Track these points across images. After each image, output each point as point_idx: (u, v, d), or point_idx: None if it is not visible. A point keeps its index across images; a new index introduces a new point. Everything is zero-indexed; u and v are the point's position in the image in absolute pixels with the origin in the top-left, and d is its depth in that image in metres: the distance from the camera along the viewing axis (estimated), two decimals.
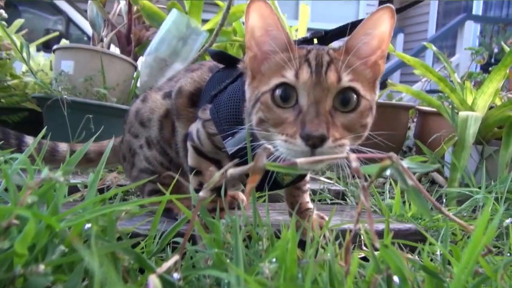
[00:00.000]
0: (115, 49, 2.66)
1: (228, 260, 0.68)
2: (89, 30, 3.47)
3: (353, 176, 2.23)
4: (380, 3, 7.03)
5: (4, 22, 2.17)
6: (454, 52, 6.11)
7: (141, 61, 2.41)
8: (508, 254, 0.94)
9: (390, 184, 1.73)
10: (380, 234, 1.09)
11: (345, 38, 0.83)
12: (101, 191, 0.84)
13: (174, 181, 0.84)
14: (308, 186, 1.20)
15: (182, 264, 0.73)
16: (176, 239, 0.82)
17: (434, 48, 2.37)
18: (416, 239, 1.07)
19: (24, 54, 2.12)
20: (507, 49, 2.28)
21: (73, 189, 1.12)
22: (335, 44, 0.97)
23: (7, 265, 0.52)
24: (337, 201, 1.66)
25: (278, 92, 0.77)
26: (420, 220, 1.28)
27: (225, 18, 2.18)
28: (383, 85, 2.91)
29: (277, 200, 1.48)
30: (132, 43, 2.58)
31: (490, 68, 2.17)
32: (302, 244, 0.82)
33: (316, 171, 2.10)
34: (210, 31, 2.36)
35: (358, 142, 0.80)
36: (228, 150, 0.96)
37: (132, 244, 0.70)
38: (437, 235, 1.17)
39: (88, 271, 0.59)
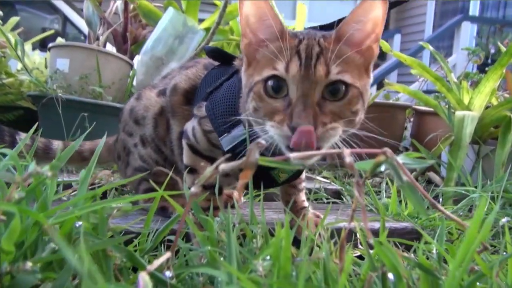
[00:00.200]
0: (111, 48, 2.64)
1: (221, 258, 0.67)
2: (85, 29, 3.45)
3: (350, 176, 2.23)
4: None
5: None
6: (451, 52, 6.12)
7: (137, 59, 2.40)
8: (504, 253, 0.93)
9: (387, 184, 1.72)
10: (376, 233, 1.09)
11: None
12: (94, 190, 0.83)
13: (168, 178, 0.83)
14: (303, 184, 1.19)
15: (176, 262, 0.72)
16: (170, 237, 0.81)
17: (431, 48, 2.37)
18: (412, 238, 1.07)
19: (19, 52, 2.10)
20: (503, 49, 2.28)
21: (68, 188, 1.12)
22: None
23: None
24: (333, 200, 1.65)
25: (270, 83, 0.79)
26: (416, 219, 1.28)
27: (221, 16, 2.18)
28: (380, 85, 2.91)
29: (273, 199, 1.47)
30: (128, 42, 2.57)
31: (486, 68, 2.17)
32: (297, 243, 0.81)
33: (313, 170, 2.09)
34: (207, 29, 2.36)
35: (352, 127, 0.82)
36: (224, 147, 0.95)
37: (125, 242, 0.69)
38: (433, 234, 1.16)
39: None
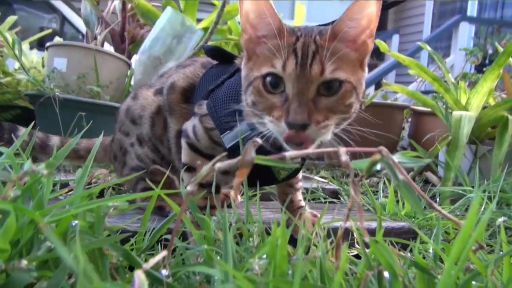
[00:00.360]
0: (109, 47, 2.64)
1: (218, 257, 0.67)
2: (83, 28, 3.44)
3: (348, 175, 2.23)
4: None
5: None
6: (448, 53, 6.13)
7: (135, 59, 2.40)
8: (500, 252, 0.94)
9: (384, 183, 1.73)
10: (373, 232, 1.09)
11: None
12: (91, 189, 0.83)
13: (165, 177, 0.83)
14: (301, 184, 1.20)
15: (172, 261, 0.72)
16: (167, 236, 0.81)
17: (429, 48, 2.37)
18: (409, 237, 1.07)
19: (16, 51, 2.10)
20: (501, 49, 2.28)
21: (65, 187, 1.11)
22: None
23: None
24: (331, 199, 1.66)
25: (268, 79, 0.83)
26: (413, 219, 1.28)
27: (220, 16, 2.18)
28: (378, 85, 2.92)
29: (269, 198, 1.47)
30: (126, 41, 2.56)
31: (484, 69, 2.17)
32: (294, 242, 0.81)
33: (311, 170, 2.09)
34: (205, 29, 2.35)
35: (347, 118, 0.86)
36: (226, 144, 0.96)
37: (122, 241, 0.69)
38: (430, 234, 1.17)
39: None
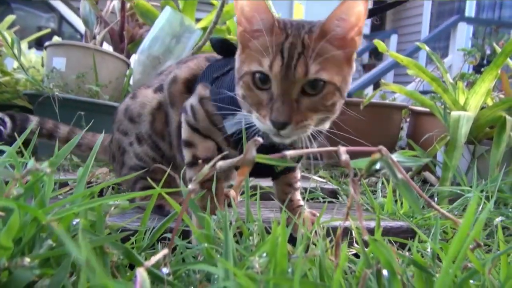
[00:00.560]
0: (108, 47, 2.64)
1: (218, 255, 0.67)
2: (82, 28, 3.44)
3: (347, 175, 2.24)
4: (374, 3, 7.06)
5: None
6: (447, 53, 6.14)
7: (134, 58, 2.40)
8: (497, 251, 0.94)
9: (383, 183, 1.73)
10: (371, 232, 1.10)
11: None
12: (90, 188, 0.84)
13: (166, 175, 0.83)
14: (299, 183, 1.20)
15: (172, 259, 0.73)
16: (167, 235, 0.81)
17: (427, 48, 2.38)
18: (407, 237, 1.08)
19: (15, 50, 2.10)
20: (499, 50, 2.29)
21: (64, 186, 1.11)
22: None
23: None
24: (329, 199, 1.66)
25: (257, 75, 0.87)
26: (411, 218, 1.29)
27: (219, 16, 2.18)
28: (377, 85, 2.93)
29: (268, 198, 1.47)
30: (125, 41, 2.56)
31: (482, 69, 2.18)
32: (293, 241, 0.82)
33: (309, 170, 2.10)
34: (204, 29, 2.36)
35: (331, 115, 0.91)
36: (228, 131, 0.99)
37: (122, 240, 0.69)
38: (428, 233, 1.17)
39: (75, 265, 0.59)
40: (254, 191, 1.39)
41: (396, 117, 2.81)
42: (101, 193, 1.25)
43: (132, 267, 0.70)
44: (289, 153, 0.49)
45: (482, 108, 2.07)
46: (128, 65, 2.42)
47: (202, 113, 1.04)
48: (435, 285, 0.54)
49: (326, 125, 0.97)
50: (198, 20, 2.53)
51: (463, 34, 6.05)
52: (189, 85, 1.14)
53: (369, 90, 5.05)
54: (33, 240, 0.57)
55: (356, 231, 0.81)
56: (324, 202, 1.63)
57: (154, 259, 0.52)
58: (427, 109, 2.30)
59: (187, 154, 1.06)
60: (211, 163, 0.53)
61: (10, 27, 2.63)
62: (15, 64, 2.36)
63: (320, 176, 2.05)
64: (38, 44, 3.35)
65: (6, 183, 0.63)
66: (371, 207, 1.41)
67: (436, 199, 1.65)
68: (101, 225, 0.61)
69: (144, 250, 0.77)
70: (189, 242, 0.81)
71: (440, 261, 0.78)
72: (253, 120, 0.89)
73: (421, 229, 1.22)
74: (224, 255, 0.60)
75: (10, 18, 2.58)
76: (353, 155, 0.54)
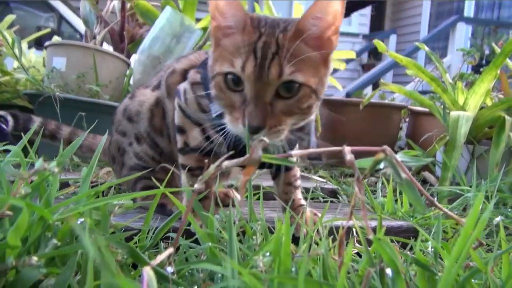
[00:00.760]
0: (108, 47, 2.64)
1: (222, 255, 0.67)
2: (81, 27, 3.44)
3: (346, 175, 2.24)
4: (373, 2, 7.07)
5: None
6: (446, 53, 6.16)
7: (134, 58, 2.40)
8: (499, 250, 0.95)
9: (382, 183, 1.74)
10: (373, 231, 1.10)
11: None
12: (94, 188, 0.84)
13: (170, 173, 0.84)
14: (299, 182, 1.20)
15: (176, 258, 0.73)
16: (170, 235, 0.82)
17: (426, 48, 2.38)
18: (407, 236, 1.08)
19: (16, 50, 2.10)
20: (498, 50, 2.30)
21: (64, 186, 1.12)
22: None
23: None
24: (330, 199, 1.67)
25: (229, 77, 0.84)
26: (412, 218, 1.29)
27: None
28: (376, 85, 2.94)
29: (270, 197, 1.48)
30: (125, 41, 2.56)
31: (481, 69, 2.19)
32: (296, 241, 0.82)
33: (309, 170, 2.11)
34: (204, 29, 2.36)
35: (306, 116, 0.89)
36: (213, 112, 0.96)
37: (125, 239, 0.70)
38: (429, 233, 1.18)
39: (80, 265, 0.59)
40: (255, 190, 1.40)
41: (395, 117, 2.81)
42: (102, 194, 1.25)
43: (134, 266, 0.70)
44: (295, 153, 0.49)
45: (481, 108, 2.08)
46: (128, 65, 2.42)
47: (191, 97, 1.03)
48: (438, 284, 0.54)
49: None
50: (198, 20, 2.53)
51: (462, 34, 6.07)
52: (186, 75, 1.14)
53: (368, 90, 5.06)
54: (38, 239, 0.57)
55: (359, 230, 0.82)
56: (324, 201, 1.63)
57: (160, 258, 0.52)
58: (426, 109, 2.31)
59: (179, 141, 1.06)
60: (216, 163, 0.53)
61: (9, 27, 2.63)
62: (15, 64, 2.36)
63: (320, 176, 2.06)
64: (38, 44, 3.35)
65: (10, 182, 0.63)
66: (371, 206, 1.42)
67: (435, 198, 1.66)
68: (106, 225, 0.61)
69: (147, 250, 0.78)
70: (192, 242, 0.81)
71: (442, 260, 0.79)
72: (225, 122, 0.86)
73: (421, 229, 1.23)
74: (228, 254, 0.60)
75: (9, 18, 2.58)
76: (354, 155, 0.54)
